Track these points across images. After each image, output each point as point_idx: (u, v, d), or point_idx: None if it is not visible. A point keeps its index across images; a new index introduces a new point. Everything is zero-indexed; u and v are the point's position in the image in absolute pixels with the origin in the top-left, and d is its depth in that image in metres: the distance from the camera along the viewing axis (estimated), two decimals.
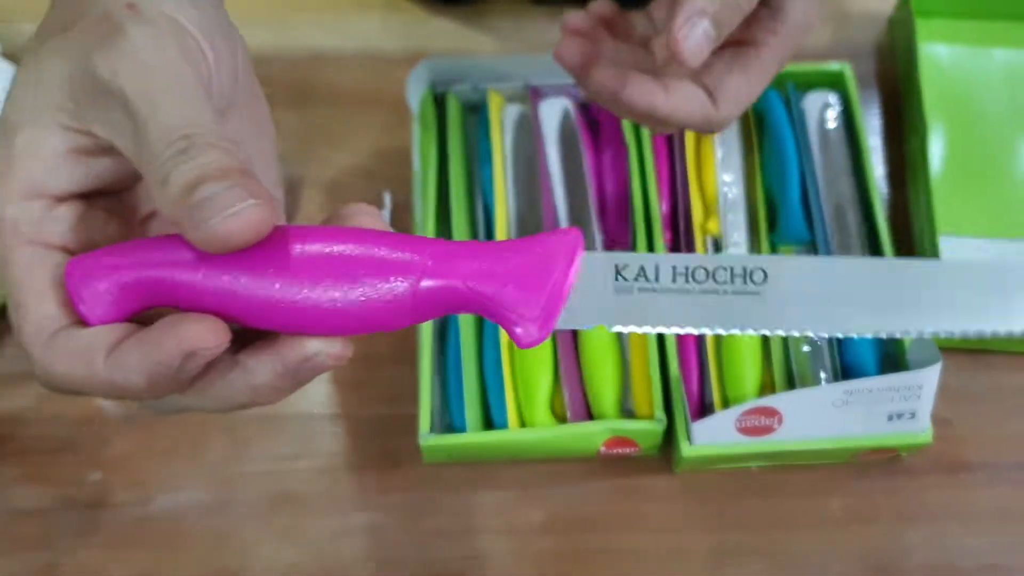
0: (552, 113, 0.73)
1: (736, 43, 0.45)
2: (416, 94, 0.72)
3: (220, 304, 0.33)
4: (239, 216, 0.29)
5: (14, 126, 0.31)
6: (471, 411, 0.64)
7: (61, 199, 0.32)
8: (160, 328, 0.30)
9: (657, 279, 0.36)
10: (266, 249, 0.32)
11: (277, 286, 0.32)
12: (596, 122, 0.75)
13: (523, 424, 0.64)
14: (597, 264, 0.36)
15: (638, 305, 0.36)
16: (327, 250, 0.34)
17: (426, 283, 0.34)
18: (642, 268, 0.36)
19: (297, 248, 0.33)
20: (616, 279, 0.36)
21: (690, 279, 0.36)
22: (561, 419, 0.64)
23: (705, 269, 0.36)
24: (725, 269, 0.36)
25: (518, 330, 0.35)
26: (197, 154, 0.29)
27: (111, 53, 0.31)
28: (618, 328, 0.36)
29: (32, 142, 0.31)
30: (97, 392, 0.32)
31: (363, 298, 0.34)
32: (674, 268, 0.36)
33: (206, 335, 0.31)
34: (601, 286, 0.35)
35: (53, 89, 0.31)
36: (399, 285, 0.34)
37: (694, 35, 0.40)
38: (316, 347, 0.34)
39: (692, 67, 0.41)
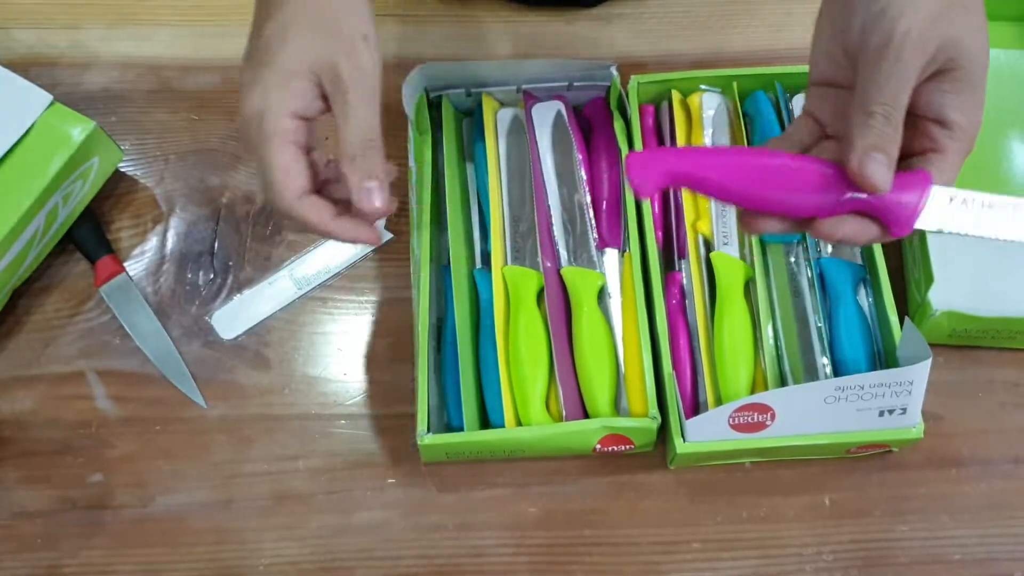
0: (546, 116, 0.73)
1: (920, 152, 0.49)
2: (411, 99, 0.73)
3: (715, 190, 0.49)
4: (377, 200, 0.51)
5: (289, 72, 0.50)
6: (468, 410, 0.64)
7: (305, 119, 0.52)
8: (355, 221, 0.52)
9: None
10: (756, 161, 0.49)
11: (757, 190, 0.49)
12: (589, 125, 0.75)
13: (519, 422, 0.64)
14: None
15: None
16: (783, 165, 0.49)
17: (848, 195, 0.47)
18: None
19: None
20: None
21: None
22: (556, 417, 0.65)
23: None
24: None
25: (894, 228, 0.48)
26: (375, 155, 0.51)
27: (350, 62, 0.51)
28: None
29: (298, 86, 0.51)
30: (319, 232, 0.52)
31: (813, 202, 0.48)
32: None
33: (372, 237, 0.54)
34: None
35: (306, 63, 0.51)
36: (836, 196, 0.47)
37: (878, 170, 0.44)
38: None
39: (886, 192, 0.45)
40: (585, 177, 0.71)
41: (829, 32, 0.50)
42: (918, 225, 0.48)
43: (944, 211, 0.48)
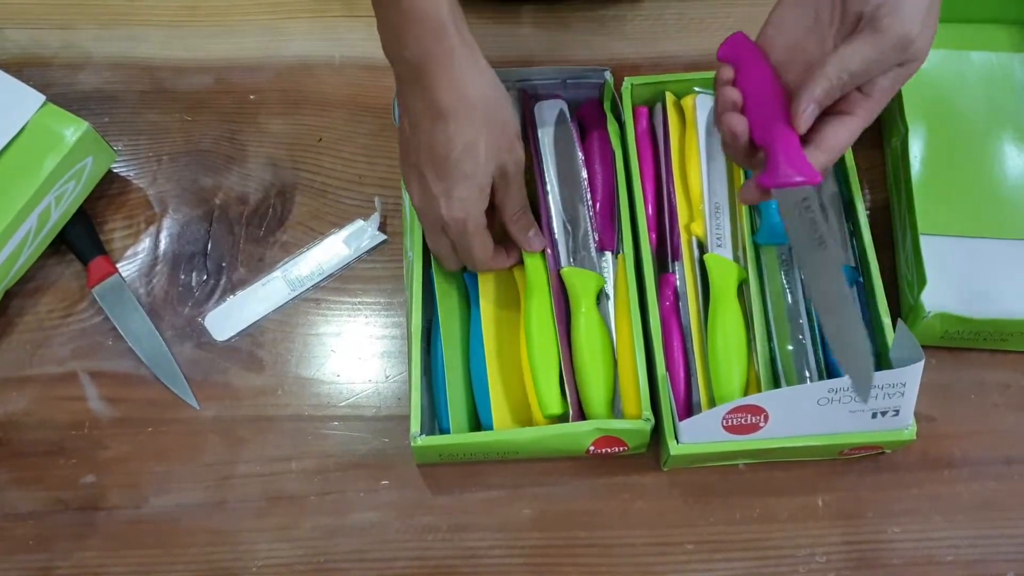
0: (548, 115, 0.73)
1: (835, 112, 0.58)
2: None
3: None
4: (537, 243, 0.68)
5: (483, 185, 0.62)
6: (455, 412, 0.64)
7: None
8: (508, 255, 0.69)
9: None
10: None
11: None
12: (582, 127, 0.75)
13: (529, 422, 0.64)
14: None
15: None
16: None
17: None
18: None
19: None
20: None
21: None
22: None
23: None
24: None
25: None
26: (527, 214, 0.67)
27: (513, 161, 0.64)
28: None
29: (487, 191, 0.63)
30: (503, 267, 0.69)
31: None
32: None
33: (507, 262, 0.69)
34: None
35: (491, 172, 0.62)
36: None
37: (808, 118, 0.56)
38: None
39: (802, 132, 0.57)
40: (586, 177, 0.71)
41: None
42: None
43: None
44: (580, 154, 0.72)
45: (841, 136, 0.58)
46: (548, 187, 0.71)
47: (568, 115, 0.73)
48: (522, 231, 0.67)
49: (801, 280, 0.68)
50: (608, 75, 0.74)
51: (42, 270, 0.74)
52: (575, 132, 0.73)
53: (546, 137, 0.72)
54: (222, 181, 0.78)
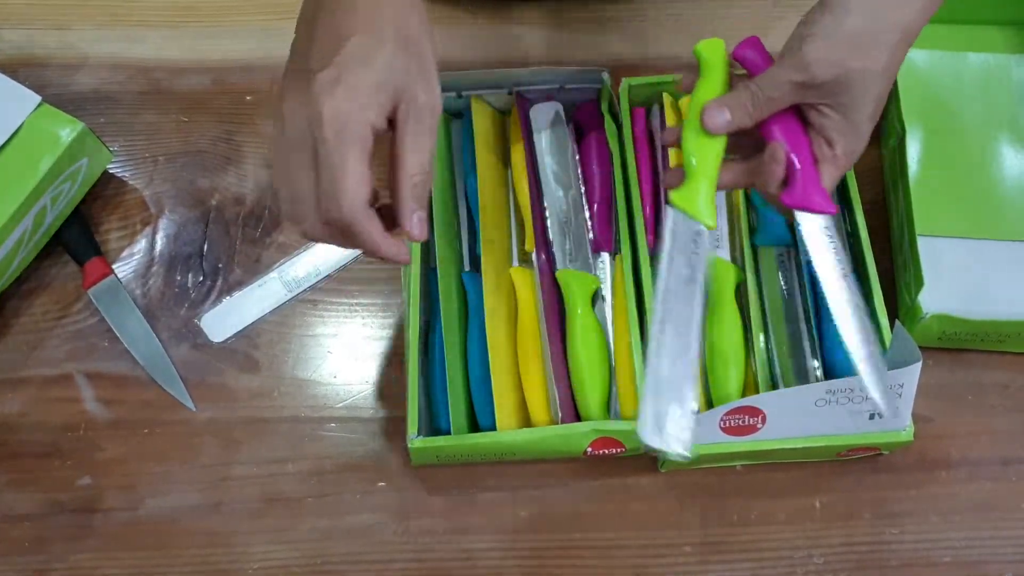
0: (543, 117, 0.73)
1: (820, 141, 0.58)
2: None
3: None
4: (422, 229, 0.52)
5: (377, 84, 0.49)
6: (455, 413, 0.64)
7: (373, 132, 0.50)
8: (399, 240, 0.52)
9: None
10: None
11: None
12: (579, 128, 0.75)
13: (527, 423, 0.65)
14: None
15: None
16: None
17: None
18: None
19: None
20: None
21: None
22: (548, 421, 0.65)
23: None
24: None
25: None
26: (427, 186, 0.52)
27: (429, 93, 0.51)
28: None
29: (383, 99, 0.50)
30: (366, 243, 0.51)
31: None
32: None
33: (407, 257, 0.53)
34: None
35: (392, 81, 0.50)
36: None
37: (714, 116, 0.57)
38: None
39: (714, 134, 0.57)
40: (583, 179, 0.71)
41: (795, 31, 0.58)
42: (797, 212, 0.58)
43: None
44: (576, 156, 0.72)
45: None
46: (544, 189, 0.71)
47: (564, 117, 0.73)
48: (415, 203, 0.51)
49: (798, 282, 0.68)
50: (605, 76, 0.74)
51: (38, 271, 0.74)
52: (570, 134, 0.73)
53: (542, 139, 0.72)
54: (219, 182, 0.78)
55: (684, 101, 0.74)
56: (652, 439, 0.53)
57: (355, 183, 0.48)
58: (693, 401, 0.54)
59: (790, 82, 0.55)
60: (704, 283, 0.57)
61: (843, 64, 0.54)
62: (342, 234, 0.51)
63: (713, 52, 0.60)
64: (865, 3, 0.54)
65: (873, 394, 0.56)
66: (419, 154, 0.51)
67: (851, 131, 0.57)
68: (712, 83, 0.59)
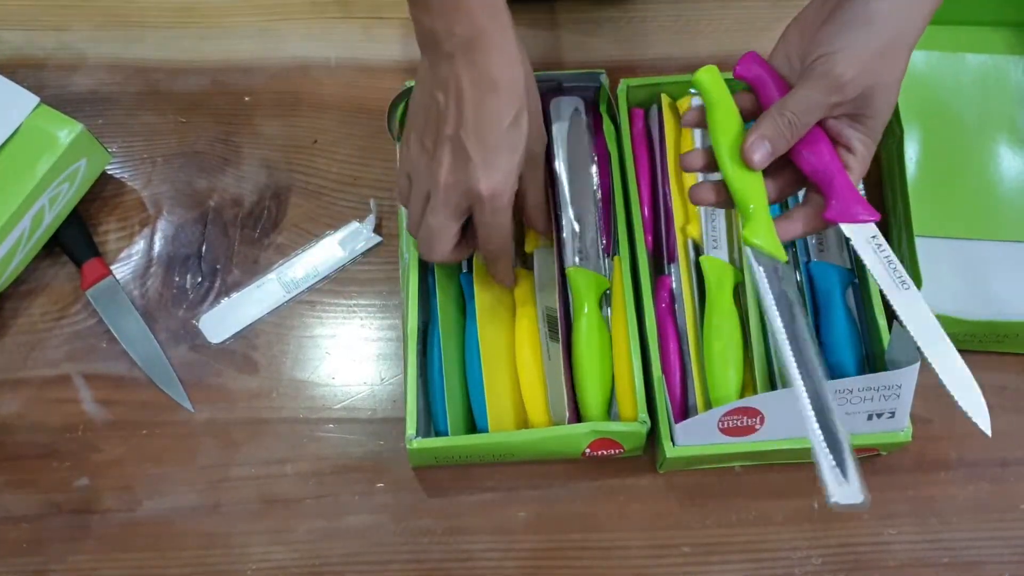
0: (563, 112, 0.73)
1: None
2: (395, 123, 0.73)
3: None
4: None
5: (520, 163, 0.61)
6: (453, 414, 0.64)
7: None
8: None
9: None
10: None
11: None
12: None
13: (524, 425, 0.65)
14: None
15: None
16: None
17: None
18: None
19: None
20: None
21: None
22: (548, 421, 0.65)
23: None
24: None
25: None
26: (547, 212, 0.69)
27: (539, 146, 0.65)
28: None
29: (522, 159, 0.61)
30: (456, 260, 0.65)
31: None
32: None
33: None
34: None
35: (519, 158, 0.61)
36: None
37: (758, 152, 0.56)
38: None
39: (758, 170, 0.58)
40: (598, 179, 0.71)
41: (796, 41, 0.58)
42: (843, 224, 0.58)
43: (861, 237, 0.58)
44: (593, 154, 0.72)
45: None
46: (559, 185, 0.71)
47: (584, 113, 0.73)
48: (540, 218, 0.68)
49: (797, 283, 0.68)
50: (603, 78, 0.74)
51: (36, 272, 0.74)
52: (589, 131, 0.73)
53: (560, 133, 0.72)
54: (217, 183, 0.78)
55: (683, 102, 0.74)
56: (847, 498, 0.52)
57: (508, 234, 0.63)
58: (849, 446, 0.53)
59: (826, 104, 0.56)
60: (803, 313, 0.57)
61: (872, 79, 0.55)
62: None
63: (714, 80, 0.59)
64: (885, 17, 0.55)
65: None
66: (538, 186, 0.67)
67: (871, 137, 0.58)
68: (725, 112, 0.58)
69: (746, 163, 0.57)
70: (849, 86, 0.55)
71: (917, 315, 0.57)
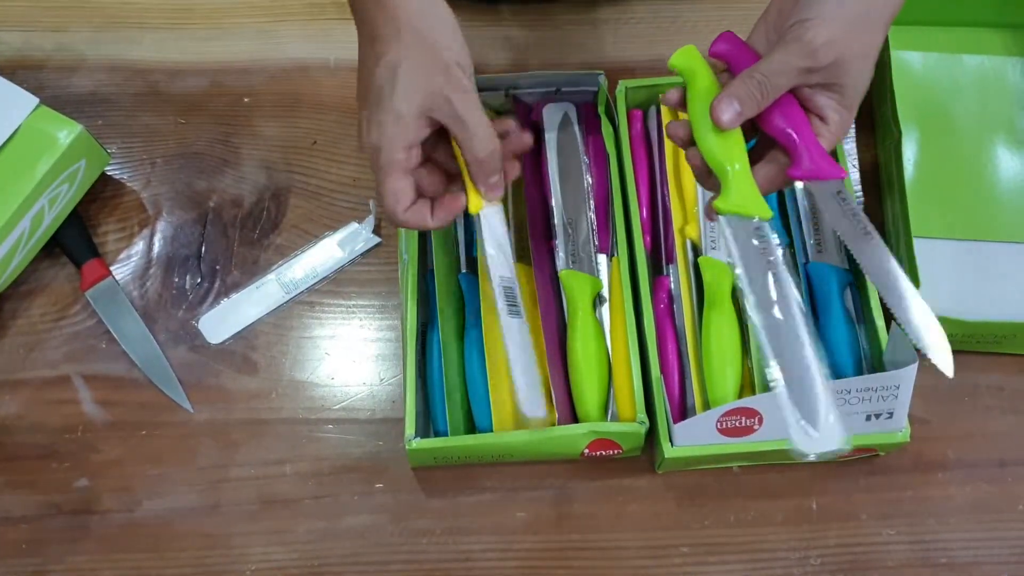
0: (554, 117, 0.73)
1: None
2: None
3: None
4: (499, 190, 0.61)
5: (401, 113, 0.57)
6: (452, 415, 0.64)
7: (413, 147, 0.59)
8: (448, 201, 0.61)
9: None
10: None
11: None
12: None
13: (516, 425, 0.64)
14: None
15: None
16: None
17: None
18: None
19: None
20: None
21: None
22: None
23: None
24: None
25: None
26: (496, 164, 0.60)
27: (456, 91, 0.58)
28: None
29: (409, 122, 0.58)
30: (425, 228, 0.61)
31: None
32: None
33: (462, 204, 0.61)
34: None
35: (416, 98, 0.58)
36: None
37: (726, 111, 0.56)
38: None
39: (727, 129, 0.57)
40: (591, 181, 0.71)
41: (774, 19, 0.59)
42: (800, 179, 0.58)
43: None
44: (585, 158, 0.72)
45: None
46: (551, 188, 0.71)
47: (575, 118, 0.73)
48: (487, 176, 0.60)
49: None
50: (602, 79, 0.74)
51: (35, 273, 0.74)
52: (580, 135, 0.73)
53: (551, 139, 0.72)
54: (216, 184, 0.78)
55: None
56: (808, 447, 0.52)
57: (392, 199, 0.59)
58: (826, 394, 0.52)
59: (797, 68, 0.56)
60: (786, 272, 0.56)
61: (846, 48, 0.55)
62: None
63: (691, 59, 0.59)
64: None
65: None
66: (479, 142, 0.59)
67: (845, 109, 0.58)
68: (703, 86, 0.59)
69: (715, 123, 0.56)
70: (821, 51, 0.55)
71: (879, 263, 0.56)
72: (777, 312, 0.55)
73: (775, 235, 0.57)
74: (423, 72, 0.58)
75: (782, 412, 0.52)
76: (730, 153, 0.57)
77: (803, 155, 0.56)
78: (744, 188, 0.57)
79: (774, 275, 0.56)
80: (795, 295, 0.55)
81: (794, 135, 0.57)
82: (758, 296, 0.55)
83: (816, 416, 0.52)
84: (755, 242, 0.56)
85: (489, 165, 0.60)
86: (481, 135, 0.59)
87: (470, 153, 0.59)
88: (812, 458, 0.52)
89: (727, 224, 0.57)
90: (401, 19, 0.58)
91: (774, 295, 0.55)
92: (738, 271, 0.56)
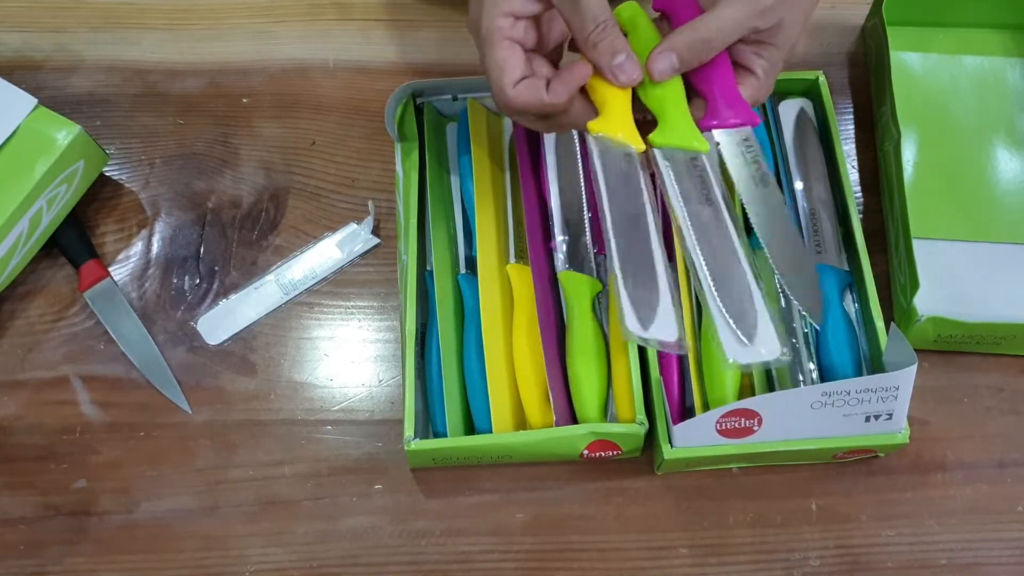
0: None
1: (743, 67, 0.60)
2: (392, 115, 0.73)
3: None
4: (630, 70, 0.56)
5: None
6: (452, 416, 0.64)
7: (519, 18, 0.56)
8: (567, 71, 0.56)
9: None
10: None
11: None
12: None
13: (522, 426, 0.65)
14: None
15: None
16: None
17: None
18: None
19: None
20: None
21: None
22: (544, 423, 0.65)
23: None
24: None
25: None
26: (609, 34, 0.55)
27: None
28: None
29: None
30: (540, 110, 0.56)
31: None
32: None
33: (587, 72, 0.56)
34: None
35: None
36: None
37: (661, 62, 0.56)
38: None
39: (659, 82, 0.57)
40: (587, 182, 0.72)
41: None
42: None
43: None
44: (582, 158, 0.72)
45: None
46: (550, 189, 0.71)
47: None
48: (607, 57, 0.56)
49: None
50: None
51: (33, 274, 0.74)
52: (579, 135, 0.73)
53: (550, 139, 0.72)
54: (215, 184, 0.78)
55: None
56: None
57: (497, 71, 0.55)
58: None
59: (745, 27, 0.56)
60: (723, 203, 0.57)
61: (790, 9, 0.56)
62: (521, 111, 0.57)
63: (633, 11, 0.60)
64: None
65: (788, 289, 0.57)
66: (584, 14, 0.55)
67: (772, 65, 0.59)
68: (642, 36, 0.59)
69: (648, 74, 0.56)
70: (769, 12, 0.56)
71: (768, 208, 0.58)
72: (713, 238, 0.56)
73: (714, 172, 0.58)
74: None
75: (717, 326, 0.55)
76: (665, 90, 0.58)
77: (716, 101, 0.57)
78: (680, 123, 0.58)
79: (711, 206, 0.57)
80: (728, 220, 0.57)
81: (713, 86, 0.58)
82: (695, 225, 0.57)
83: (753, 327, 0.54)
84: (693, 178, 0.57)
85: (604, 45, 0.55)
86: (586, 6, 0.54)
87: (578, 31, 0.55)
88: (747, 370, 0.57)
89: (662, 157, 0.58)
90: None
91: (711, 223, 0.57)
92: (675, 204, 0.57)
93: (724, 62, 0.58)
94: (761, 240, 0.58)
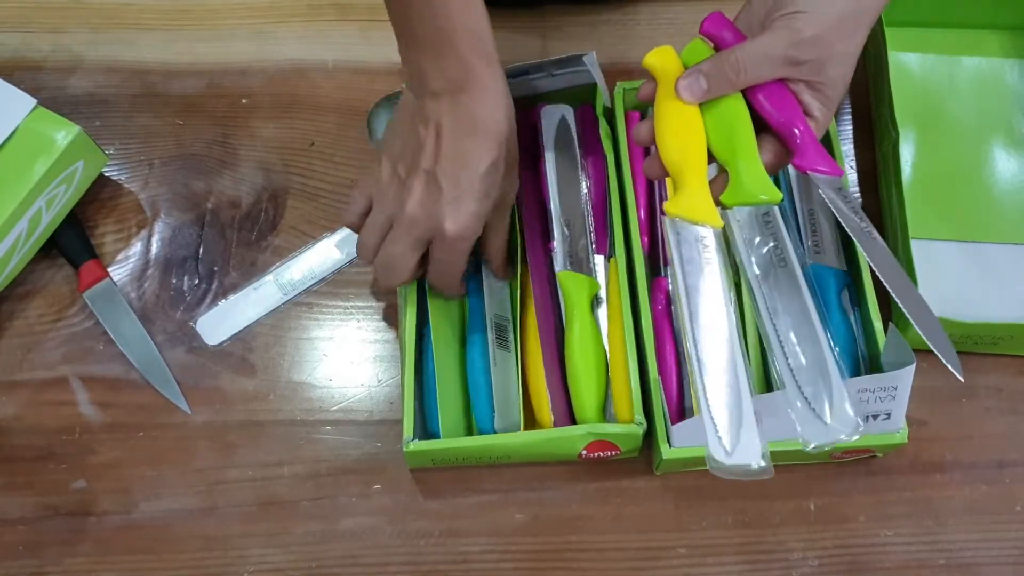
0: (552, 118, 0.73)
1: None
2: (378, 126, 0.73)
3: None
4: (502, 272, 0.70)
5: (491, 211, 0.63)
6: (449, 417, 0.64)
7: None
8: None
9: None
10: None
11: None
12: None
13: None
14: None
15: None
16: None
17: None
18: None
19: None
20: None
21: None
22: (545, 423, 0.65)
23: None
24: None
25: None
26: (507, 253, 0.69)
27: (513, 194, 0.66)
28: None
29: (490, 205, 0.63)
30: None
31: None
32: None
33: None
34: None
35: (486, 209, 0.62)
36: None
37: (691, 84, 0.57)
38: None
39: (687, 103, 0.58)
40: (588, 183, 0.71)
41: (758, 8, 0.58)
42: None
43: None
44: (583, 161, 0.72)
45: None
46: (549, 190, 0.71)
47: (571, 120, 0.73)
48: (499, 263, 0.68)
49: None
50: (590, 59, 0.71)
51: (33, 274, 0.74)
52: (577, 138, 0.73)
53: (548, 140, 0.72)
54: (214, 185, 0.78)
55: None
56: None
57: (460, 272, 0.65)
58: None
59: (782, 56, 0.56)
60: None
61: (828, 47, 0.56)
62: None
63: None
64: None
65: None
66: (502, 229, 0.66)
67: (827, 107, 0.58)
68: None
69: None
70: (805, 44, 0.55)
71: (888, 263, 0.57)
72: (785, 300, 0.58)
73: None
74: (508, 174, 0.63)
75: (790, 403, 0.54)
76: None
77: (807, 148, 0.57)
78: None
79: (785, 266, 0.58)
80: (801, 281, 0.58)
81: (797, 127, 0.57)
82: (767, 289, 0.57)
83: (829, 404, 0.54)
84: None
85: (505, 251, 0.67)
86: (505, 222, 0.66)
87: (495, 237, 0.66)
88: (819, 449, 0.53)
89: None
90: (501, 119, 0.61)
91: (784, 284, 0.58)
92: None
93: (796, 106, 0.57)
94: (890, 290, 0.56)
